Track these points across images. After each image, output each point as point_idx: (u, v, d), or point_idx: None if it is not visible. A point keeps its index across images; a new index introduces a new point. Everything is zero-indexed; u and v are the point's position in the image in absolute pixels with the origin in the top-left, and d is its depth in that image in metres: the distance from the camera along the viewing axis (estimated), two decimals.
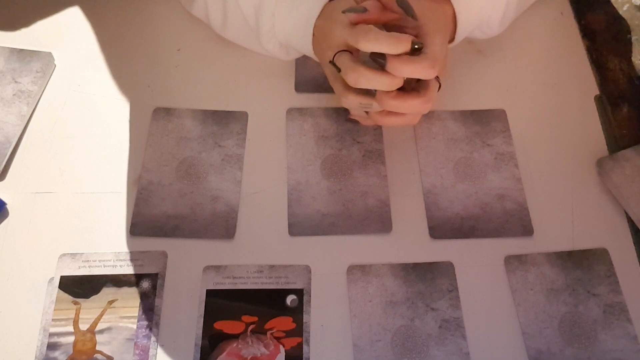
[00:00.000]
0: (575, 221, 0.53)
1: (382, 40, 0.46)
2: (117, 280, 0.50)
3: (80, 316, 0.48)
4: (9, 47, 0.61)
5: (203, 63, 0.62)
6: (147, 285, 0.50)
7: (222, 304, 0.49)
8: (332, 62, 0.50)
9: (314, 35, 0.52)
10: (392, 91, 0.48)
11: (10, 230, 0.52)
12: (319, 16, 0.51)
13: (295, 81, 0.60)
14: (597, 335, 0.47)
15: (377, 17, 0.50)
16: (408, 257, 0.51)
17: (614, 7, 0.65)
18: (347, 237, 0.52)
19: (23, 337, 0.48)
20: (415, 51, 0.47)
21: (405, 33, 0.48)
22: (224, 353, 0.47)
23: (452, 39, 0.55)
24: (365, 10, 0.49)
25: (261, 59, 0.61)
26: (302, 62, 0.61)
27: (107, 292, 0.49)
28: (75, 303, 0.49)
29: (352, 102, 0.51)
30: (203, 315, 0.48)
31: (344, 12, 0.49)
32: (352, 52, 0.49)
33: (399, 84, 0.48)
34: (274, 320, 0.48)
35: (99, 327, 0.48)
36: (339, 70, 0.49)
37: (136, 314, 0.48)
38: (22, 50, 0.61)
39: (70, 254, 0.51)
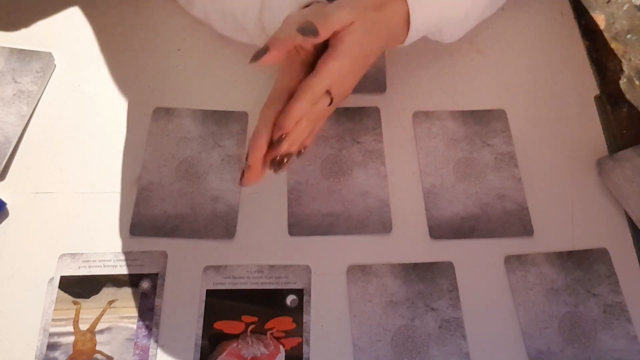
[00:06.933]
0: (576, 221, 0.53)
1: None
2: (117, 280, 0.50)
3: (80, 316, 0.48)
4: (9, 47, 0.61)
5: (203, 63, 0.62)
6: (147, 285, 0.50)
7: (222, 304, 0.49)
8: None
9: None
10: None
11: (10, 231, 0.52)
12: None
13: None
14: (597, 335, 0.47)
15: (277, 56, 0.46)
16: (408, 257, 0.51)
17: (614, 7, 0.65)
18: (347, 237, 0.52)
19: (23, 337, 0.48)
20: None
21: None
22: (224, 353, 0.47)
23: (402, 41, 0.53)
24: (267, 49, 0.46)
25: None
26: None
27: (107, 292, 0.49)
28: (75, 303, 0.49)
29: None
30: (203, 315, 0.48)
31: (250, 63, 0.46)
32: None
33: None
34: (274, 320, 0.48)
35: (99, 327, 0.48)
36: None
37: (136, 314, 0.48)
38: (22, 50, 0.61)
39: (70, 254, 0.51)
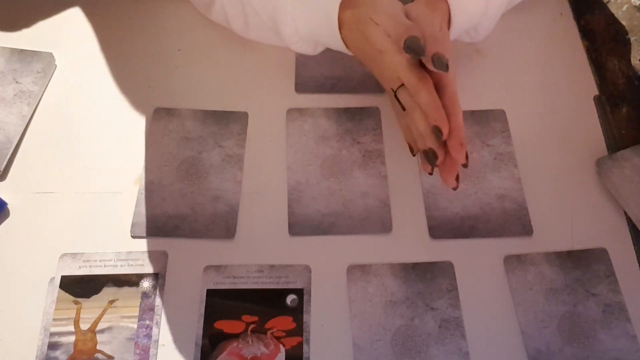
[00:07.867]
0: (575, 221, 0.53)
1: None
2: (117, 280, 0.50)
3: (81, 316, 0.48)
4: (10, 48, 0.61)
5: (203, 63, 0.62)
6: (148, 285, 0.50)
7: (222, 304, 0.49)
8: (396, 97, 0.50)
9: (344, 30, 0.52)
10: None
11: (11, 230, 0.52)
12: (342, 6, 0.51)
13: (295, 81, 0.60)
14: (596, 334, 0.48)
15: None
16: (408, 257, 0.51)
17: (613, 8, 0.65)
18: (347, 237, 0.52)
19: (24, 337, 0.48)
20: None
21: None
22: (225, 352, 0.47)
23: None
24: (424, 52, 0.47)
25: (261, 59, 0.61)
26: (302, 62, 0.61)
27: (108, 292, 0.49)
28: (76, 303, 0.49)
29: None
30: (203, 315, 0.49)
31: (405, 49, 0.47)
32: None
33: None
34: (274, 319, 0.48)
35: (100, 326, 0.48)
36: (403, 108, 0.50)
37: (137, 314, 0.48)
38: (23, 50, 0.61)
39: (71, 253, 0.51)
